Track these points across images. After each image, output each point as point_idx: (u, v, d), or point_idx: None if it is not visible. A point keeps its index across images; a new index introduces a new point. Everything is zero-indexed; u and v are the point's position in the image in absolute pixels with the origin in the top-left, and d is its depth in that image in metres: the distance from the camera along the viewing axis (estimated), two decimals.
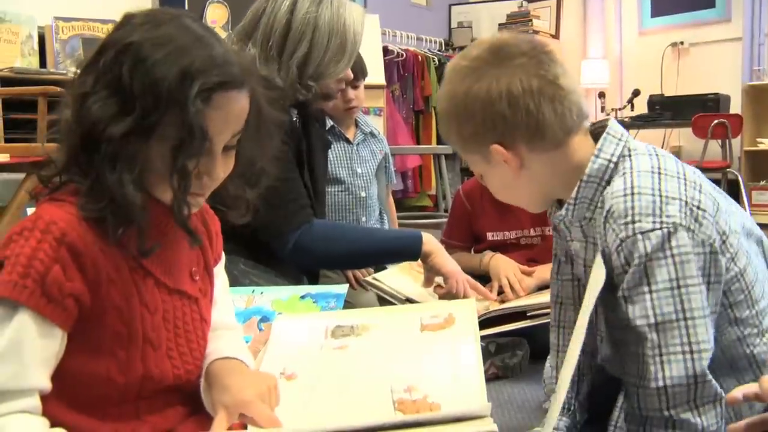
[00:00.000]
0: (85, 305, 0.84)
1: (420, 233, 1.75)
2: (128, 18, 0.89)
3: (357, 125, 2.49)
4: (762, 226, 1.26)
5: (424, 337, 1.18)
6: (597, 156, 1.10)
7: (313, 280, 1.97)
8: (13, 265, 0.80)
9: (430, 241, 1.74)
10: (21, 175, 2.50)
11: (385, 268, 2.18)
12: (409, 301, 1.76)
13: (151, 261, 0.92)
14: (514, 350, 1.76)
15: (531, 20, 6.03)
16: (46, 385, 0.82)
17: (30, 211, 2.45)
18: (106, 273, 0.86)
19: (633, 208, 1.01)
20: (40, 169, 0.89)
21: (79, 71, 0.89)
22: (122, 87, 0.84)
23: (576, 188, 1.11)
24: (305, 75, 1.69)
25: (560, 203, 1.17)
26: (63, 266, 0.82)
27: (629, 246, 1.00)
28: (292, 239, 1.65)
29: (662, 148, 1.17)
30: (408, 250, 1.75)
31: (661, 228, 0.99)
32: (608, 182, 1.09)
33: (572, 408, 1.22)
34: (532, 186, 1.15)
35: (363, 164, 2.43)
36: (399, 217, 3.26)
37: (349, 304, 1.68)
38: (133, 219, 0.85)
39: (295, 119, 1.84)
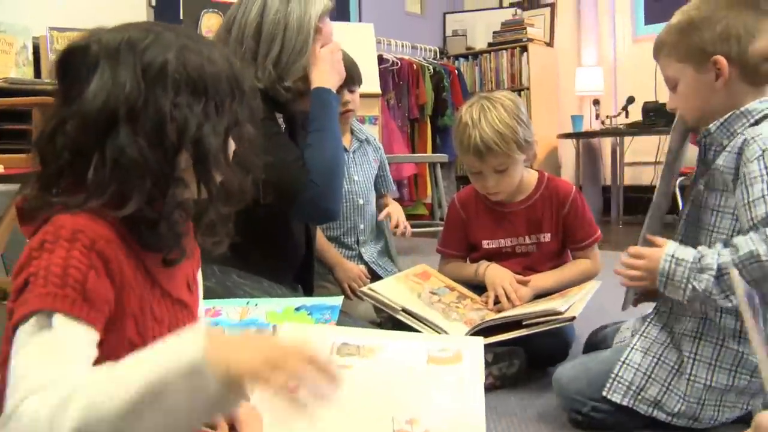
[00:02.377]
0: (111, 311, 0.83)
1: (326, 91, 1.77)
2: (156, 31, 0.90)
3: (352, 132, 2.48)
4: None
5: (430, 370, 1.17)
6: (761, 102, 1.35)
7: (308, 291, 1.97)
8: (45, 278, 0.77)
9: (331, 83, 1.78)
10: (15, 186, 2.48)
11: (384, 275, 2.18)
12: (405, 311, 1.76)
13: (158, 271, 0.92)
14: (512, 359, 1.75)
15: (525, 28, 6.05)
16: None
17: None
18: (128, 279, 0.85)
19: None
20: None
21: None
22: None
23: (729, 114, 1.36)
24: (277, 76, 1.71)
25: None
26: (97, 273, 0.80)
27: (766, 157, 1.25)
28: (303, 199, 1.69)
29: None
30: (333, 101, 1.77)
31: None
32: (756, 123, 1.33)
33: None
34: (716, 104, 1.38)
35: (360, 171, 2.42)
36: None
37: (345, 314, 1.67)
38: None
39: (282, 126, 1.84)
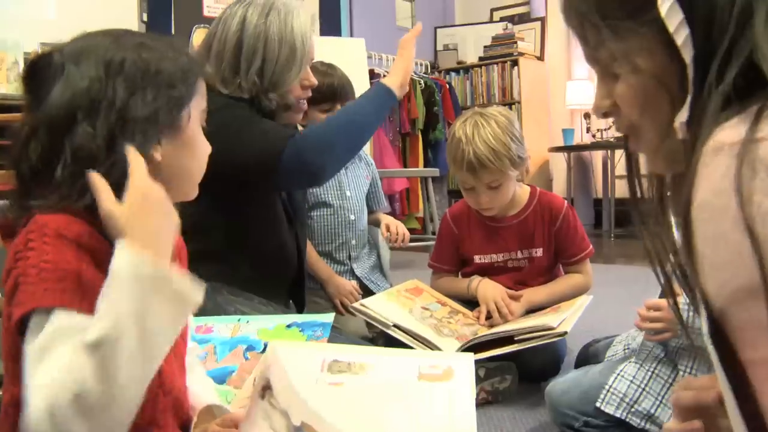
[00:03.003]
0: None
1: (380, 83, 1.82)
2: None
3: None
4: None
5: (421, 387, 1.17)
6: None
7: (300, 306, 1.96)
8: (39, 274, 0.77)
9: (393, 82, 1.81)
10: (4, 203, 2.47)
11: (379, 287, 2.17)
12: (397, 327, 1.75)
13: None
14: (504, 374, 1.75)
15: (516, 42, 6.09)
16: None
17: None
18: None
19: None
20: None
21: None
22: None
23: None
24: (263, 87, 1.72)
25: None
26: (87, 265, 0.80)
27: None
28: (283, 160, 1.64)
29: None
30: (383, 95, 1.80)
31: None
32: None
33: None
34: None
35: (352, 187, 2.43)
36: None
37: (337, 330, 1.67)
38: None
39: None
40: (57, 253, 0.78)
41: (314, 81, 1.83)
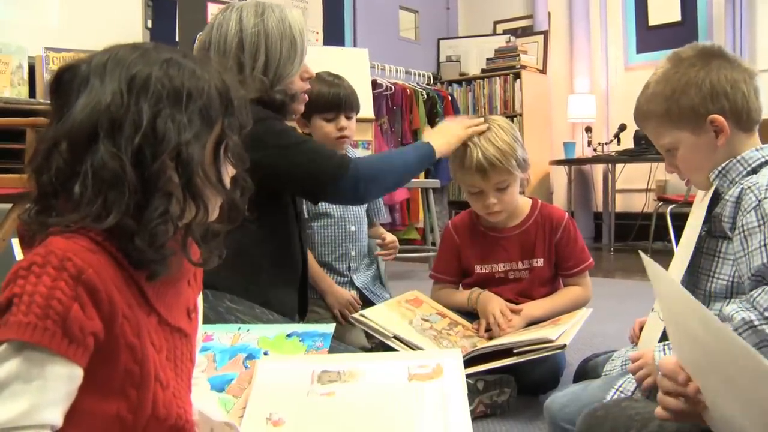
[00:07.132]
0: (99, 342, 0.81)
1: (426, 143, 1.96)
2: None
3: None
4: None
5: (413, 387, 1.17)
6: (757, 150, 1.35)
7: (302, 311, 1.96)
8: (29, 305, 0.76)
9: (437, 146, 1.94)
10: (7, 206, 2.48)
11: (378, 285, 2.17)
12: (396, 338, 1.75)
13: (156, 298, 0.90)
14: (502, 387, 1.74)
15: (518, 55, 6.10)
16: (59, 422, 0.79)
17: (15, 242, 2.43)
18: (121, 309, 0.83)
19: None
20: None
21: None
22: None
23: (726, 162, 1.35)
24: (270, 82, 1.77)
25: None
26: (81, 305, 0.79)
27: (765, 205, 1.24)
28: (338, 185, 1.76)
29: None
30: (426, 151, 1.94)
31: None
32: (754, 171, 1.33)
33: None
34: (719, 158, 1.37)
35: None
36: None
37: (337, 341, 1.67)
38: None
39: None
40: (52, 288, 0.78)
41: (312, 73, 1.91)
